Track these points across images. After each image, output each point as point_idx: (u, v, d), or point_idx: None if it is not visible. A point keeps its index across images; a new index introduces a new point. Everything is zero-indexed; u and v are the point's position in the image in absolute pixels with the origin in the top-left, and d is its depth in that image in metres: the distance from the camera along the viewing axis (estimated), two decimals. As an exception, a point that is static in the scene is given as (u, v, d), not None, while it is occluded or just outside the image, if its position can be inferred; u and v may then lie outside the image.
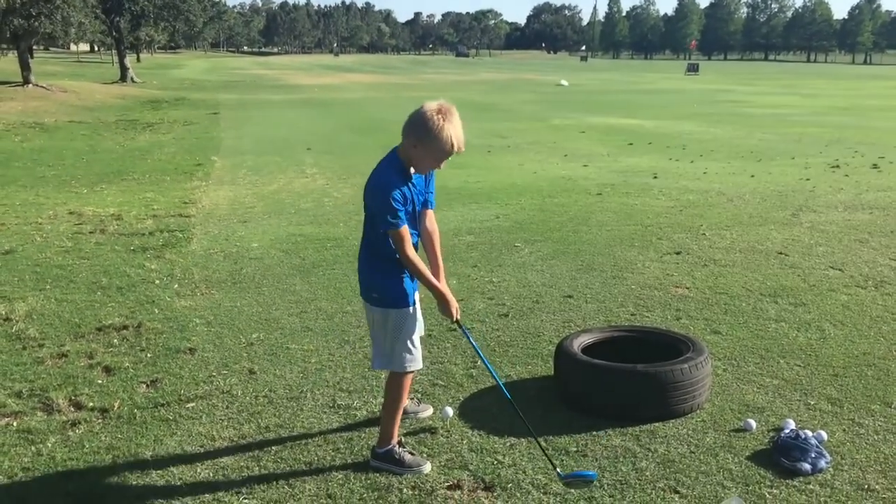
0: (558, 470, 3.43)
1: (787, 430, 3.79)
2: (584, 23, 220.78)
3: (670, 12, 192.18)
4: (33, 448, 3.74)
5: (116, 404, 4.21)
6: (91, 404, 4.21)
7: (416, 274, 3.42)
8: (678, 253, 7.44)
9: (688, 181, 11.77)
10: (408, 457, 3.58)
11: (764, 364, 4.75)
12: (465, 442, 3.83)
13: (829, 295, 6.12)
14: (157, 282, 6.55)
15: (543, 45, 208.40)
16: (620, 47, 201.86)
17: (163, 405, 4.22)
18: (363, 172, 12.32)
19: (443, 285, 3.54)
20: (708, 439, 3.83)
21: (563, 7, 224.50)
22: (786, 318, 5.57)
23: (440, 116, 3.23)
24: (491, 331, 5.39)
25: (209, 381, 4.54)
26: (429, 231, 3.62)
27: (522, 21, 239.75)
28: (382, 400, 3.73)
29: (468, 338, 3.75)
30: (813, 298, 6.03)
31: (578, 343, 4.35)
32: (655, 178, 12.12)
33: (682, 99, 35.18)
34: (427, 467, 3.56)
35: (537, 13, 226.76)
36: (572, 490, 3.37)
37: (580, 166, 13.57)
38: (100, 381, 4.52)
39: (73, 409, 4.17)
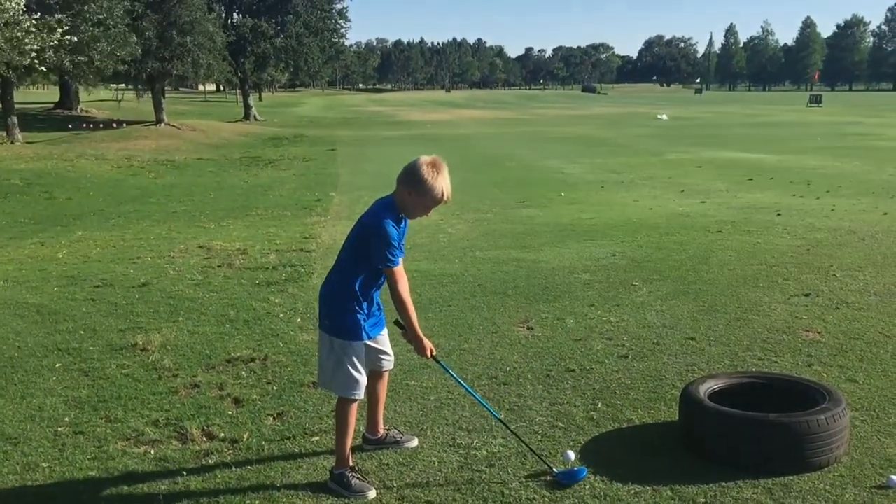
0: (554, 469, 3.85)
1: (936, 490, 3.55)
2: (699, 55, 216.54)
3: (790, 42, 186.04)
4: (169, 477, 3.90)
5: (246, 436, 4.36)
6: (222, 435, 4.37)
7: (404, 313, 3.77)
8: (807, 295, 7.12)
9: (814, 219, 11.29)
10: (355, 482, 3.76)
11: (907, 416, 4.47)
12: (587, 487, 3.75)
13: (978, 343, 5.72)
14: (282, 315, 6.77)
15: (655, 77, 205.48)
16: (737, 79, 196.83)
17: (289, 438, 4.33)
18: (476, 208, 12.46)
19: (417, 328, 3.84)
20: (847, 496, 3.62)
21: (675, 39, 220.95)
22: (929, 368, 5.23)
23: (433, 169, 3.64)
24: (610, 372, 5.29)
25: (332, 415, 4.60)
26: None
27: (634, 54, 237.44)
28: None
29: (449, 372, 4.12)
30: (959, 346, 5.65)
31: (705, 389, 4.22)
32: (779, 215, 11.68)
33: (805, 132, 33.88)
34: (371, 494, 3.72)
35: (649, 46, 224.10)
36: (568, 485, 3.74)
37: (698, 202, 13.25)
38: (230, 413, 4.69)
39: (205, 438, 4.35)
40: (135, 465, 4.04)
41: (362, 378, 3.84)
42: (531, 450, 4.02)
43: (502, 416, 4.31)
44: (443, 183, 3.65)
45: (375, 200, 3.84)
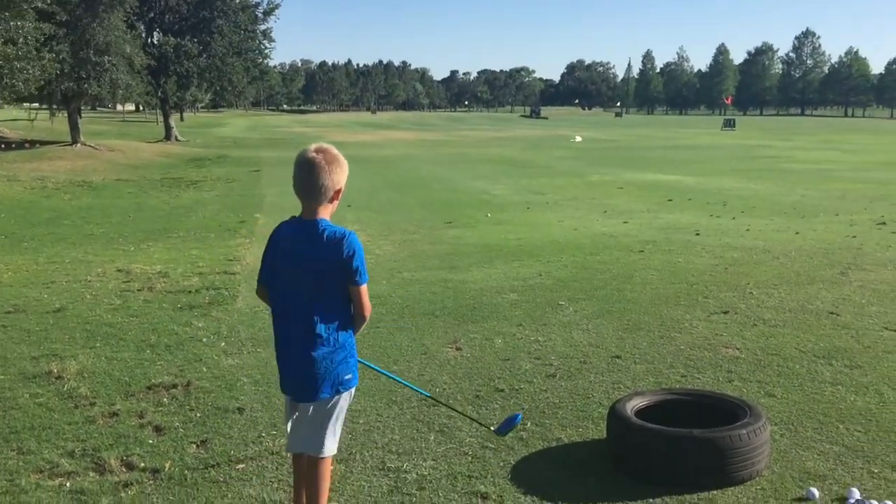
0: (492, 428, 4.24)
1: (851, 500, 3.68)
2: (619, 79, 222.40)
3: (704, 68, 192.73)
4: (86, 509, 3.74)
5: (167, 465, 4.21)
6: (142, 465, 4.21)
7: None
8: (726, 312, 7.33)
9: (731, 238, 11.66)
10: None
11: (823, 429, 4.62)
12: (518, 508, 3.75)
13: (886, 357, 5.97)
14: (205, 340, 6.60)
15: (577, 101, 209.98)
16: (655, 103, 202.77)
17: (213, 466, 4.21)
18: (403, 229, 12.43)
19: None
20: (769, 508, 3.71)
21: (595, 64, 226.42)
22: (842, 381, 5.43)
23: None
24: (539, 392, 5.32)
25: (258, 441, 4.53)
26: None
27: (556, 78, 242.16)
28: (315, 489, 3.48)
29: (371, 366, 4.19)
30: (869, 360, 5.88)
31: (632, 406, 4.28)
32: (697, 234, 12.03)
33: (720, 154, 35.08)
34: None
35: (571, 70, 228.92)
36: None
37: (620, 223, 13.53)
38: (150, 441, 4.53)
39: (124, 469, 4.18)
40: (49, 498, 3.85)
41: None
42: (468, 417, 4.48)
43: (430, 393, 4.70)
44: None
45: (314, 222, 3.41)
